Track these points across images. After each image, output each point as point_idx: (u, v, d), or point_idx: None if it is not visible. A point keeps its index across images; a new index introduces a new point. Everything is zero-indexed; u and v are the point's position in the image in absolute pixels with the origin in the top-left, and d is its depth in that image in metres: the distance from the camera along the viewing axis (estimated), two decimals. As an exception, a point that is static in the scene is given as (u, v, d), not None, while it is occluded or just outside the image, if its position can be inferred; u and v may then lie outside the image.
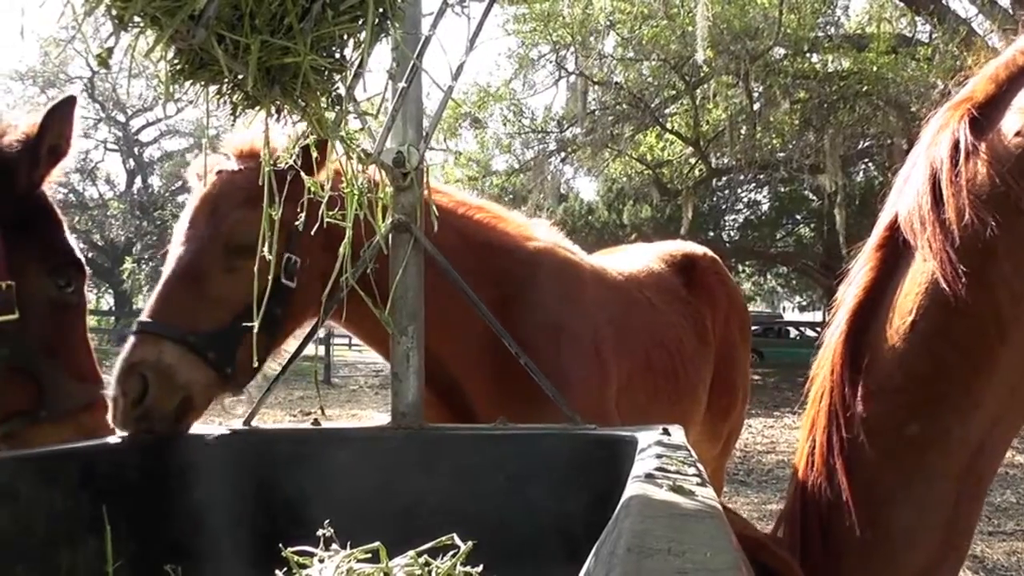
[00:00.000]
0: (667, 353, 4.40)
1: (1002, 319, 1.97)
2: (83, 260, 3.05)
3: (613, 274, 4.39)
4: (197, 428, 2.86)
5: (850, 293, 2.33)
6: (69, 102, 2.93)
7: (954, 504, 2.15)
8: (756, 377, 31.18)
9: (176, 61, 1.91)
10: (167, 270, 2.93)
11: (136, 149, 50.32)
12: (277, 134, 2.77)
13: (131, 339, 2.77)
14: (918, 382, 2.11)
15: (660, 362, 4.33)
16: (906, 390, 2.13)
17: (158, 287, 2.91)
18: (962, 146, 2.02)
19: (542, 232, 4.00)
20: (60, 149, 2.96)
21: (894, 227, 2.22)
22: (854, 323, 2.28)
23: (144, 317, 2.82)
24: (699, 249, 5.61)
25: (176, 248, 2.97)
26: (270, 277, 2.46)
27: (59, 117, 2.91)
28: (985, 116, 2.05)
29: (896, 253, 2.22)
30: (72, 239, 3.06)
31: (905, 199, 2.18)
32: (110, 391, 2.68)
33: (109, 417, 2.67)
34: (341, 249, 2.50)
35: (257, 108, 2.08)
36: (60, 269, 2.91)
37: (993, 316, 1.98)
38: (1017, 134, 1.94)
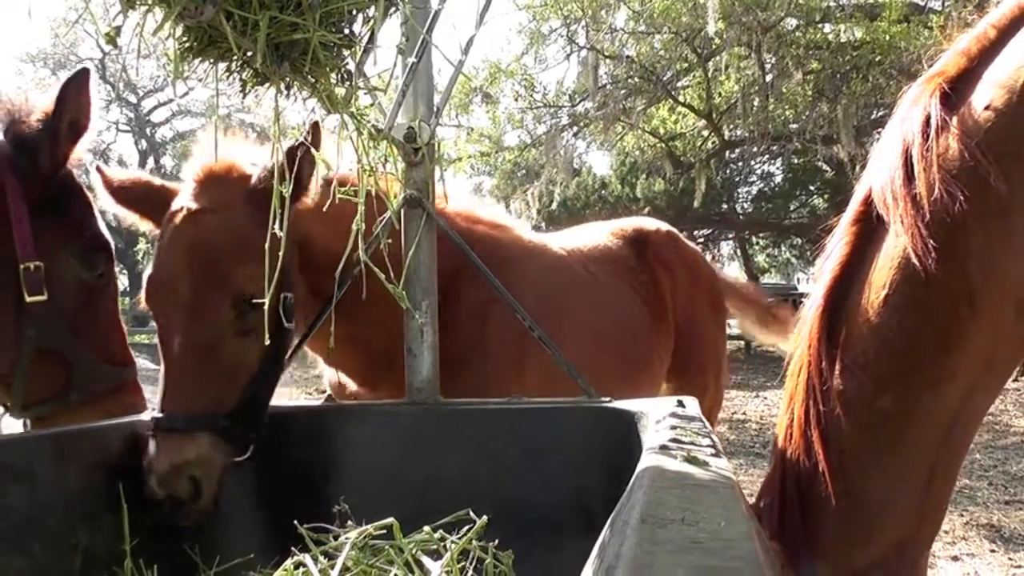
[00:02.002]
0: (615, 328, 4.33)
1: (973, 291, 1.98)
2: (111, 243, 3.04)
3: (557, 251, 4.29)
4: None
5: (827, 267, 2.35)
6: (82, 75, 2.88)
7: (928, 475, 2.17)
8: (772, 349, 31.13)
9: (185, 39, 1.91)
10: (173, 347, 2.59)
11: (148, 130, 50.38)
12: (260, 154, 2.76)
13: (161, 437, 2.49)
14: (891, 355, 2.12)
15: (606, 337, 4.25)
16: (879, 363, 2.14)
17: (168, 368, 2.59)
18: (933, 121, 2.02)
19: (485, 212, 3.98)
20: (80, 124, 2.92)
21: (869, 201, 2.23)
22: (830, 297, 2.30)
23: (165, 412, 2.53)
24: (652, 224, 5.42)
25: (174, 316, 2.62)
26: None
27: (75, 91, 2.87)
28: (956, 90, 2.05)
29: (871, 227, 2.22)
30: (101, 222, 3.04)
31: (878, 174, 2.18)
32: (150, 488, 2.45)
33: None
34: (353, 225, 2.49)
35: (267, 85, 2.08)
36: (88, 252, 2.91)
37: (964, 289, 1.98)
38: (987, 107, 1.94)
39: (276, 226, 2.21)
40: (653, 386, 4.70)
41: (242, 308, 2.59)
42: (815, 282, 2.41)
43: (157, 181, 3.09)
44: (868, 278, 2.16)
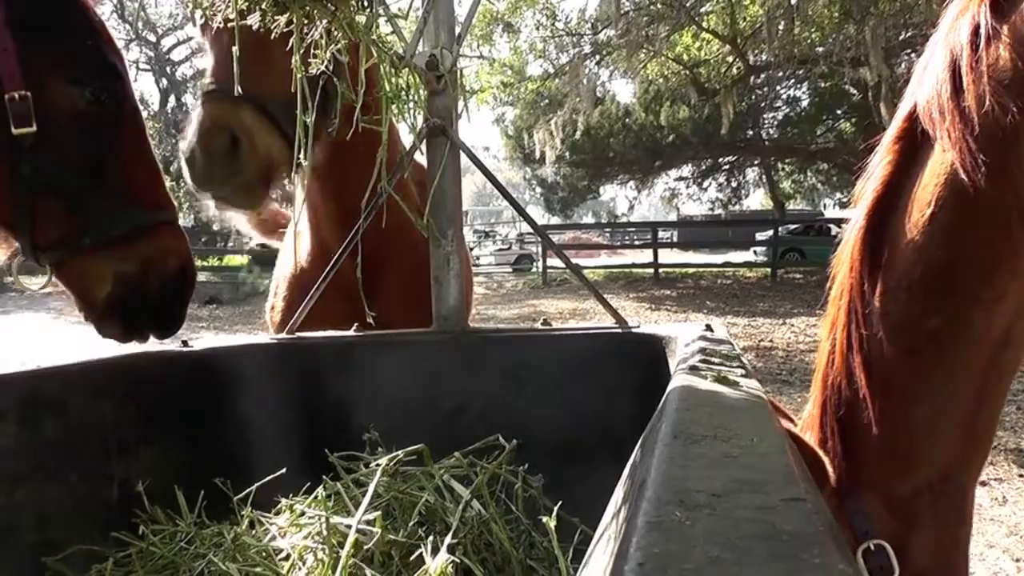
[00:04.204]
0: None
1: None
2: (118, 65, 2.68)
3: None
4: (241, 339, 2.88)
5: (868, 187, 2.25)
6: None
7: (975, 399, 2.10)
8: (798, 275, 31.10)
9: (203, -33, 1.89)
10: (224, 36, 2.59)
11: (168, 68, 50.30)
12: None
13: (205, 102, 2.64)
14: (938, 275, 2.05)
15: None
16: (926, 284, 2.07)
17: (217, 53, 2.70)
18: (983, 31, 1.93)
19: None
20: None
21: (913, 117, 2.14)
22: (872, 218, 2.21)
23: (213, 83, 2.67)
24: None
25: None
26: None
27: None
28: None
29: (915, 145, 2.13)
30: (114, 44, 2.70)
31: (924, 88, 2.09)
32: (184, 149, 2.57)
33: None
34: (378, 155, 2.48)
35: (286, 14, 2.06)
36: (86, 76, 2.57)
37: (1016, 204, 1.91)
38: None
39: (302, 155, 2.20)
40: None
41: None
42: (855, 204, 2.34)
43: None
44: (913, 196, 2.09)
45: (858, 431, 2.20)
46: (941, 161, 2.00)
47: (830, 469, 2.00)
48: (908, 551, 2.15)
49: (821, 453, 2.01)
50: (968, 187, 1.88)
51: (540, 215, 57.83)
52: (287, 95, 2.43)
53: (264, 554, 1.95)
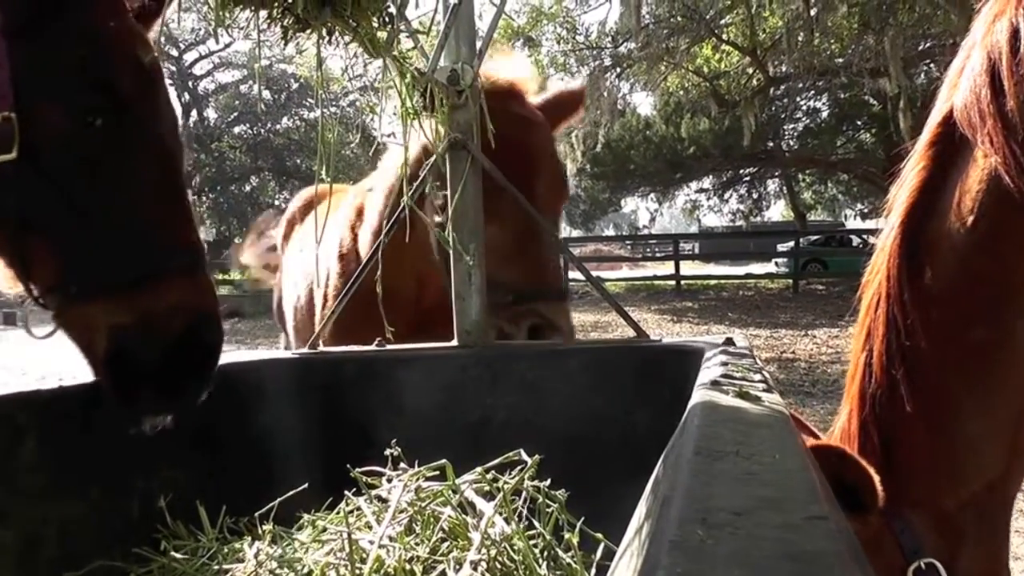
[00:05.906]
0: None
1: None
2: (123, 81, 2.17)
3: None
4: (263, 354, 2.89)
5: (902, 195, 2.19)
6: None
7: (1020, 409, 2.08)
8: (820, 286, 30.97)
9: (225, -14, 1.90)
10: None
11: (190, 82, 50.58)
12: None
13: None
14: (981, 284, 2.00)
15: None
16: (969, 293, 2.02)
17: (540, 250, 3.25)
18: (1022, 33, 1.91)
19: None
20: None
21: (948, 122, 2.09)
22: (909, 225, 2.15)
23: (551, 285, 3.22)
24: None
25: None
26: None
27: None
28: None
29: (952, 150, 2.07)
30: (127, 56, 2.21)
31: (960, 92, 2.05)
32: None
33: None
34: (398, 169, 2.49)
35: (308, 31, 2.07)
36: (82, 93, 2.11)
37: None
38: None
39: (323, 172, 2.20)
40: None
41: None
42: (888, 211, 2.29)
43: None
44: (952, 203, 2.02)
45: (903, 446, 2.14)
46: (982, 166, 1.95)
47: (880, 488, 1.94)
48: (955, 568, 2.10)
49: (872, 471, 1.94)
50: (1013, 193, 1.84)
51: (561, 228, 57.72)
52: None
53: (286, 570, 1.95)
